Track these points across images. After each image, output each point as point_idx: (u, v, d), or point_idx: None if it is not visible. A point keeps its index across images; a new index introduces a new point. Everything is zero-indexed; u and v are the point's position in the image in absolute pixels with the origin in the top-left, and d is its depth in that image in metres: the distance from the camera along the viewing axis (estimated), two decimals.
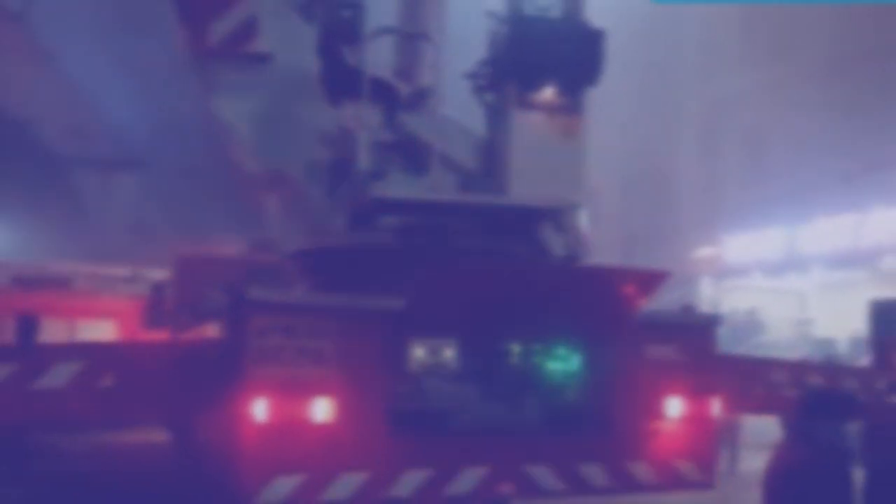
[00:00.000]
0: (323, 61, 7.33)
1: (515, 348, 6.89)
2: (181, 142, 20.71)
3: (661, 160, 30.60)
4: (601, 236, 8.22)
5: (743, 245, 26.92)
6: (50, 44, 18.74)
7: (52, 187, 25.15)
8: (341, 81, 7.13)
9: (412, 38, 7.84)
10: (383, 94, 7.22)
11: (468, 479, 6.28)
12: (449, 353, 6.52)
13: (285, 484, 5.75)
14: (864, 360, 11.40)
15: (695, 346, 7.10)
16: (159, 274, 11.16)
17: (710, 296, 27.73)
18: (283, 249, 8.31)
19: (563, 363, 6.95)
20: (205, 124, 9.94)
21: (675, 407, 6.91)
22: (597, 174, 7.68)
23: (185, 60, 7.97)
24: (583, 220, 7.65)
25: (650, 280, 6.86)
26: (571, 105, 7.08)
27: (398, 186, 6.94)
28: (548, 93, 6.98)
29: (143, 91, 22.46)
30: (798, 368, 9.17)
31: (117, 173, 26.06)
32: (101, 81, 21.33)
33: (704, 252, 28.38)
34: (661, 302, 7.38)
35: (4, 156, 23.30)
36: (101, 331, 10.93)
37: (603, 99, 7.71)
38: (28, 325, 6.11)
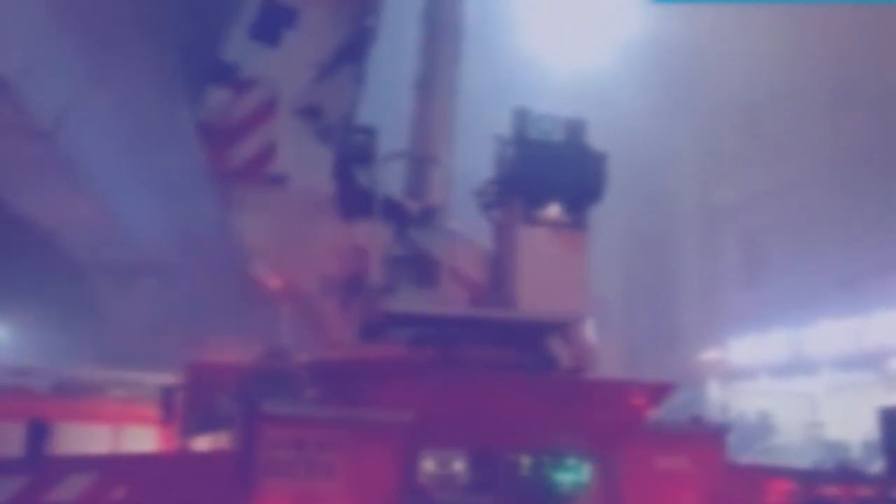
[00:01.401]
0: (338, 182, 7.56)
1: (525, 460, 6.80)
2: (199, 251, 21.00)
3: (662, 264, 30.76)
4: (606, 344, 8.21)
5: (748, 347, 26.67)
6: (76, 158, 19.31)
7: (74, 293, 25.43)
8: (355, 201, 7.34)
9: (422, 160, 8.09)
10: (395, 212, 7.41)
11: None
12: (459, 466, 6.45)
13: None
14: (878, 466, 11.11)
15: (705, 456, 7.01)
16: (170, 378, 11.14)
17: (718, 399, 27.30)
18: (295, 358, 8.33)
19: (573, 474, 6.85)
20: (223, 235, 10.13)
21: None
22: (600, 281, 7.75)
23: (206, 177, 8.21)
24: (589, 330, 7.69)
25: (657, 392, 6.84)
26: (575, 221, 7.25)
27: (409, 299, 7.03)
28: (553, 210, 7.16)
29: (164, 202, 22.98)
30: (810, 477, 8.96)
31: (137, 279, 26.35)
32: (124, 193, 21.88)
33: (710, 355, 28.12)
34: (669, 406, 7.32)
35: (29, 264, 23.71)
36: (144, 437, 10.83)
37: (604, 209, 7.86)
38: (40, 432, 6.08)
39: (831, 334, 22.56)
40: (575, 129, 7.41)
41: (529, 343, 7.32)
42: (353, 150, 7.58)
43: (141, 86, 18.12)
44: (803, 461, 15.73)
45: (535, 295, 7.02)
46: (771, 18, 21.41)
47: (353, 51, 7.91)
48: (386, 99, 8.54)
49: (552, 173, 7.22)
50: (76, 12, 15.74)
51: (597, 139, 7.53)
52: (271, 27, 7.49)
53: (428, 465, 6.42)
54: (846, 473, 10.87)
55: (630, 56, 24.10)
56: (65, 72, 17.08)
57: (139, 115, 19.08)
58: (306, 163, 7.51)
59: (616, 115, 22.91)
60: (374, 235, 7.06)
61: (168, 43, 16.14)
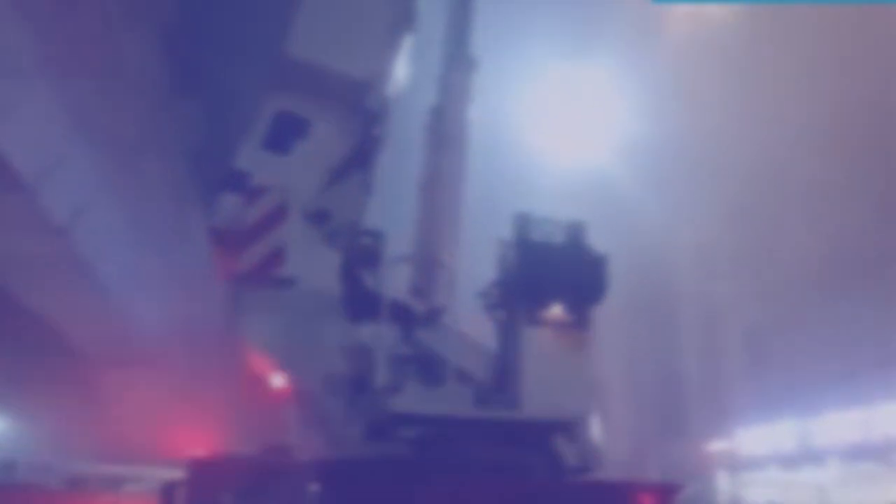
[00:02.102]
0: (345, 284, 7.66)
1: None
2: (203, 345, 21.01)
3: (667, 357, 30.62)
4: (612, 442, 8.14)
5: (756, 438, 26.32)
6: (87, 256, 19.54)
7: (76, 385, 25.30)
8: (362, 303, 7.42)
9: (428, 263, 8.21)
10: (401, 312, 7.48)
11: None
12: None
13: None
14: None
15: None
16: (170, 473, 10.92)
17: (727, 490, 26.75)
18: (298, 455, 8.24)
19: None
20: (228, 332, 10.16)
21: None
22: (604, 379, 7.76)
23: (210, 275, 8.30)
24: (595, 429, 7.63)
25: (665, 493, 6.74)
26: (578, 321, 7.29)
27: (415, 398, 7.01)
28: (556, 310, 7.22)
29: (168, 298, 23.15)
30: None
31: (139, 372, 26.23)
32: (131, 290, 22.04)
33: (718, 446, 27.68)
34: (679, 499, 7.20)
35: (33, 356, 23.70)
36: None
37: (606, 310, 7.92)
38: None
39: (837, 425, 22.36)
40: (576, 232, 7.54)
41: (535, 443, 7.26)
42: (360, 253, 7.71)
43: (154, 189, 18.54)
44: None
45: (539, 394, 7.02)
46: (769, 117, 21.98)
47: (361, 158, 8.15)
48: (392, 202, 8.74)
49: (554, 275, 7.31)
50: (95, 117, 16.23)
51: (598, 235, 7.65)
52: (283, 137, 7.75)
53: None
54: None
55: (630, 155, 24.68)
56: (82, 173, 17.49)
57: (150, 216, 19.43)
58: (314, 265, 7.62)
59: (617, 211, 23.32)
60: (381, 336, 7.10)
61: (182, 150, 16.66)
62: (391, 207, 8.63)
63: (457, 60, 8.98)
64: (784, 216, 23.94)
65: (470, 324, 7.95)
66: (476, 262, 8.20)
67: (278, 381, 8.27)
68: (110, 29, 14.41)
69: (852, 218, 21.76)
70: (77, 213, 17.89)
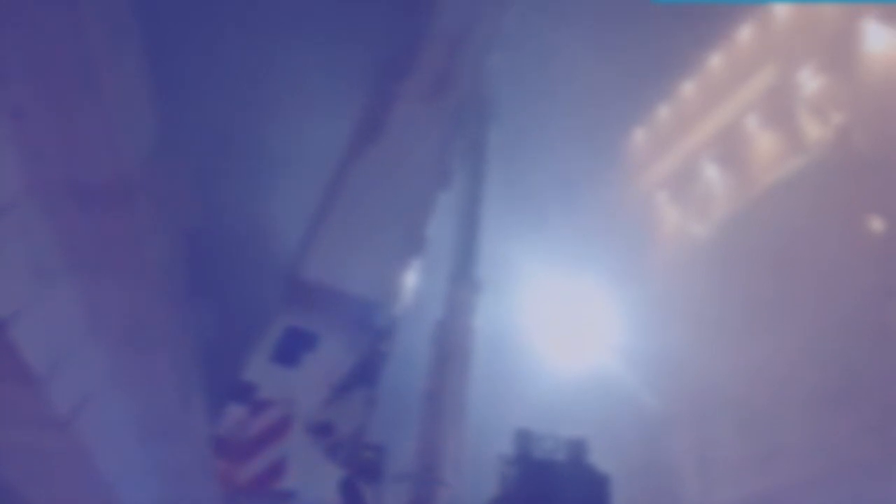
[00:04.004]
0: (344, 497, 7.35)
1: None
2: None
3: None
4: None
5: None
6: (86, 449, 18.99)
7: None
8: None
9: (429, 481, 7.93)
10: None
11: None
12: None
13: None
14: None
15: None
16: None
17: None
18: None
19: None
20: None
21: None
22: None
23: (214, 481, 7.98)
24: None
25: None
26: None
27: None
28: None
29: (167, 490, 22.17)
30: None
31: None
32: (130, 482, 21.19)
33: None
34: None
35: None
36: None
37: None
38: None
39: None
40: (577, 449, 7.34)
41: None
42: (361, 467, 7.47)
43: (160, 385, 18.33)
44: None
45: None
46: (764, 329, 22.08)
47: (366, 373, 8.11)
48: (396, 414, 8.58)
49: (555, 494, 7.04)
50: (111, 313, 16.38)
51: (599, 440, 7.43)
52: (292, 351, 7.76)
53: None
54: None
55: (630, 361, 24.75)
56: (90, 365, 17.38)
57: (154, 411, 19.10)
58: (314, 479, 7.36)
59: (617, 413, 22.96)
60: None
61: (192, 349, 16.65)
62: (394, 420, 8.46)
63: (463, 280, 9.21)
64: (786, 424, 23.49)
65: None
66: (478, 477, 7.92)
67: None
68: (138, 233, 14.89)
69: (854, 426, 21.31)
70: (82, 405, 17.58)
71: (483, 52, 10.14)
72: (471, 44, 9.65)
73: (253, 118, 16.62)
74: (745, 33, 22.08)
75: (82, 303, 16.14)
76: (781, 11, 20.79)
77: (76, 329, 16.68)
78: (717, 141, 23.73)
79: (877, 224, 19.16)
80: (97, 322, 16.63)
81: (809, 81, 19.97)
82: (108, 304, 16.80)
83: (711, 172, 24.01)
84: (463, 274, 9.31)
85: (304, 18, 16.61)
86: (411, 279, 8.61)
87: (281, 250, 9.25)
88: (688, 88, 24.74)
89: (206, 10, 15.07)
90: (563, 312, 23.44)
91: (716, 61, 23.34)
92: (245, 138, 16.79)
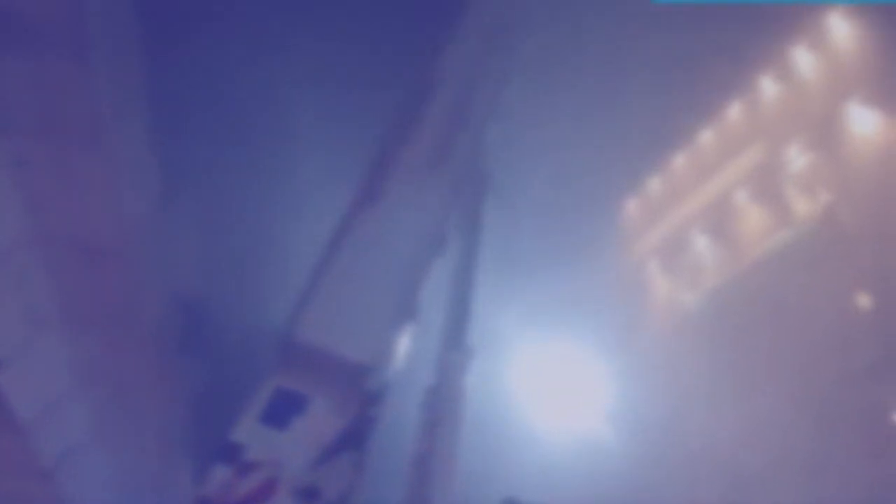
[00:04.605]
0: None
1: None
2: None
3: None
4: None
5: None
6: (73, 499, 18.49)
7: None
8: None
9: None
10: None
11: None
12: None
13: None
14: None
15: None
16: None
17: None
18: None
19: None
20: None
21: None
22: None
23: None
24: None
25: None
26: None
27: None
28: None
29: None
30: None
31: None
32: None
33: None
34: None
35: None
36: None
37: None
38: None
39: None
40: None
41: None
42: None
43: (145, 438, 18.00)
44: None
45: None
46: (754, 389, 21.90)
47: (355, 437, 7.94)
48: (384, 479, 8.39)
49: None
50: (100, 365, 16.14)
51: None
52: (281, 412, 7.61)
53: None
54: None
55: (617, 425, 24.49)
56: (77, 416, 17.03)
57: (138, 465, 18.72)
58: None
59: (608, 478, 22.55)
60: None
61: (178, 404, 16.42)
62: (382, 485, 8.26)
63: (455, 346, 9.13)
64: (776, 490, 23.07)
65: None
66: None
67: None
68: (132, 290, 14.78)
69: (851, 487, 20.94)
70: (66, 456, 17.16)
71: (482, 125, 10.30)
72: (471, 116, 9.80)
73: (256, 178, 16.74)
74: (735, 111, 22.54)
75: (72, 355, 15.88)
76: (770, 91, 21.28)
77: (64, 380, 16.37)
78: (707, 213, 23.99)
79: (864, 301, 19.20)
80: (86, 375, 16.33)
81: (797, 159, 20.31)
82: (97, 358, 16.50)
83: (701, 243, 24.19)
84: (455, 340, 9.25)
85: (311, 78, 16.86)
86: (403, 344, 8.53)
87: (275, 310, 9.17)
88: (679, 162, 25.11)
89: (216, 70, 15.31)
90: (555, 379, 23.35)
91: (706, 137, 23.76)
92: (248, 198, 16.87)
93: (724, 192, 23.03)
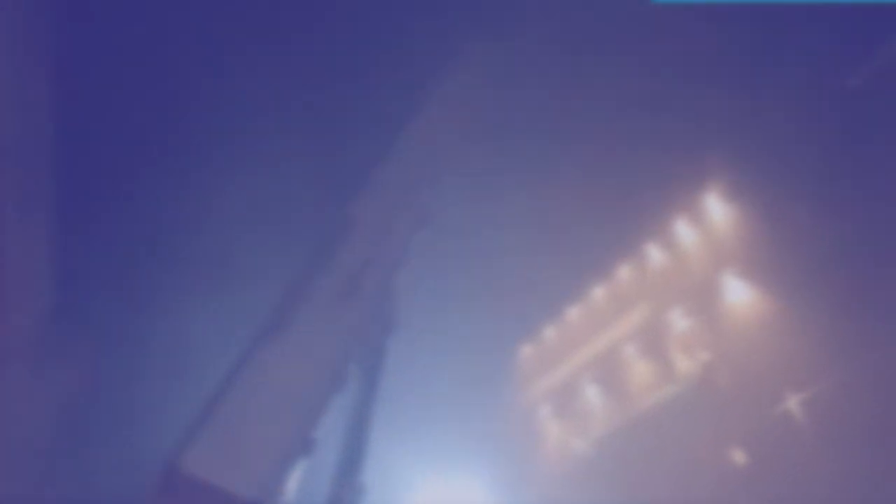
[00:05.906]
0: None
1: None
2: None
3: None
4: None
5: None
6: None
7: None
8: None
9: None
10: None
11: None
12: None
13: None
14: None
15: None
16: None
17: None
18: None
19: None
20: None
21: None
22: None
23: None
24: None
25: None
26: None
27: None
28: None
29: None
30: None
31: None
32: None
33: None
34: None
35: None
36: None
37: None
38: None
39: None
40: None
41: None
42: None
43: None
44: None
45: None
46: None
47: None
48: None
49: None
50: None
51: None
52: None
53: None
54: None
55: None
56: None
57: None
58: None
59: None
60: None
61: None
62: None
63: (347, 483, 8.81)
64: None
65: None
66: None
67: None
68: (15, 400, 13.79)
69: None
70: None
71: (392, 268, 10.50)
72: (382, 260, 9.99)
73: (164, 296, 16.19)
74: (625, 272, 23.74)
75: None
76: (656, 257, 22.61)
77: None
78: (597, 364, 24.61)
79: (739, 456, 19.69)
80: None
81: (679, 321, 21.36)
82: None
83: (591, 392, 24.63)
84: (347, 477, 8.92)
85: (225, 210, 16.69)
86: (295, 479, 8.17)
87: (165, 434, 8.67)
88: (573, 313, 25.94)
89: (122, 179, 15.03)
90: None
91: (599, 293, 24.77)
92: (151, 315, 16.24)
93: (614, 346, 23.81)
